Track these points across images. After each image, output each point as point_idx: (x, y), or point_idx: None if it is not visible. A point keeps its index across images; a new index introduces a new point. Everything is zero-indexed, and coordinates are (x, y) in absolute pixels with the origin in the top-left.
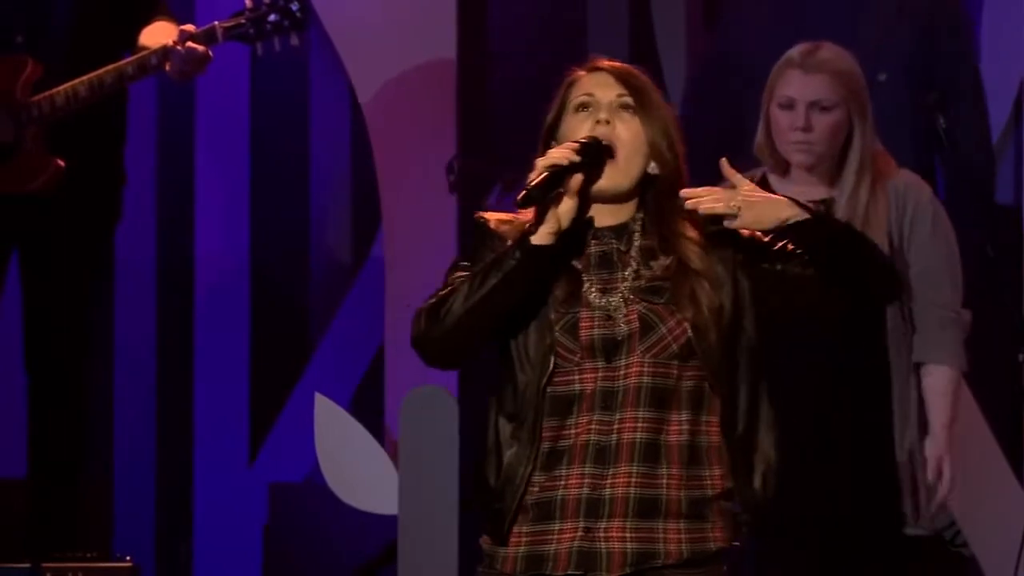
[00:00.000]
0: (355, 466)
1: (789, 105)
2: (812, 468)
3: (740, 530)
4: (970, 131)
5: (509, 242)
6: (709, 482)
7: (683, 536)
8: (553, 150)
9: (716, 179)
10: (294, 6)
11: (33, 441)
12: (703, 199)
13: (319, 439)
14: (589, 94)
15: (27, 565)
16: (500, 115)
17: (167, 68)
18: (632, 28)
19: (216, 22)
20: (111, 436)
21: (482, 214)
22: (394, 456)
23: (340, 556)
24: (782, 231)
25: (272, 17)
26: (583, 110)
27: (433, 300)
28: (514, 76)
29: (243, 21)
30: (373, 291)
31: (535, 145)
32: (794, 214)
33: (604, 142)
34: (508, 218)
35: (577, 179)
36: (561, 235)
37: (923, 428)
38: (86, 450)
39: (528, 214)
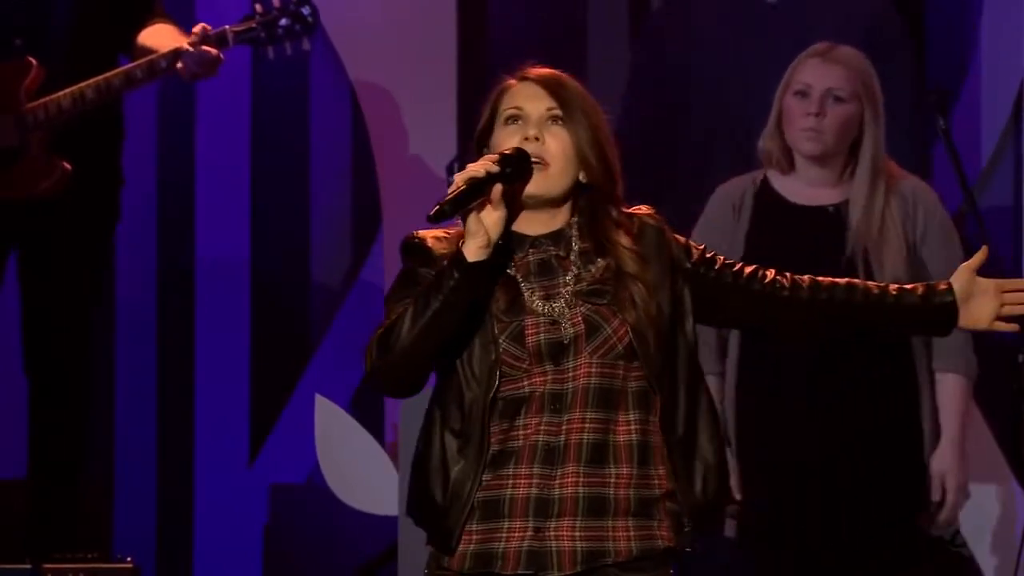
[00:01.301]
0: (355, 467)
1: (804, 92)
2: (839, 476)
3: (684, 532)
4: (966, 136)
5: (445, 262)
6: (656, 482)
7: (632, 534)
8: (471, 164)
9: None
10: (305, 10)
11: (33, 442)
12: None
13: (319, 440)
14: (519, 107)
15: (28, 566)
16: None
17: (179, 69)
18: (632, 27)
19: (227, 26)
20: (112, 437)
21: (416, 233)
22: (394, 456)
23: (340, 556)
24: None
25: (284, 21)
26: (513, 123)
27: (380, 331)
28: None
29: (254, 25)
30: (373, 292)
31: None
32: None
33: (534, 158)
34: (442, 234)
35: (498, 189)
36: (496, 246)
37: (937, 437)
38: (87, 451)
39: (452, 230)
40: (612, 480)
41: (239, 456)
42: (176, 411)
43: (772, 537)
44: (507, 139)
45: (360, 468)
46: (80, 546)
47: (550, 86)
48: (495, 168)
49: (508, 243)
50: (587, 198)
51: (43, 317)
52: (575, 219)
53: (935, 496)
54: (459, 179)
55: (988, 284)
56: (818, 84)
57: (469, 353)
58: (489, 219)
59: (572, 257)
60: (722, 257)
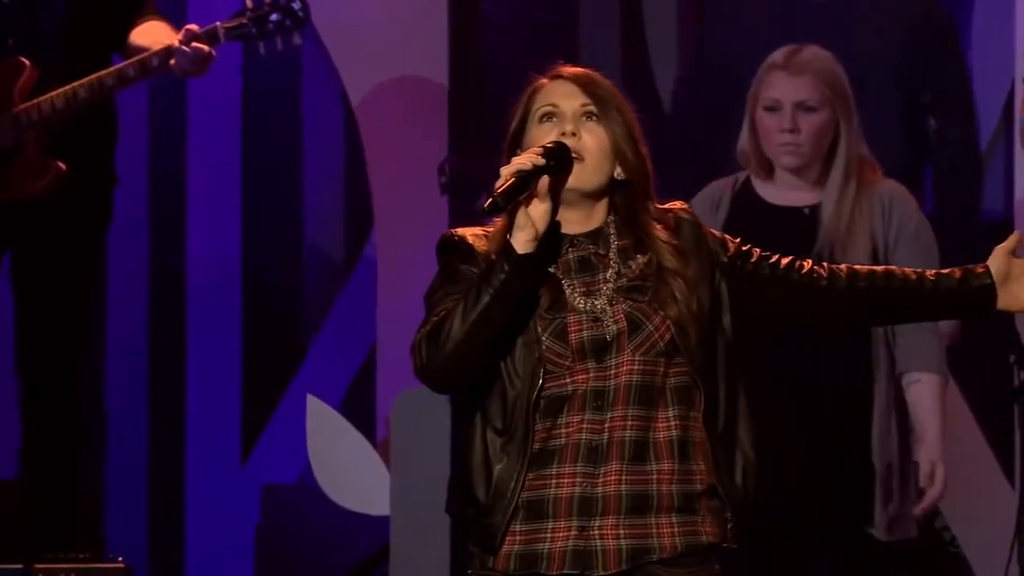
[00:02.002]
0: (347, 467)
1: (775, 107)
2: (790, 472)
3: (727, 528)
4: (958, 137)
5: (493, 256)
6: (698, 477)
7: (676, 530)
8: (517, 157)
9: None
10: (296, 5)
11: (29, 442)
12: None
13: (311, 440)
14: (553, 104)
15: (19, 566)
16: (492, 117)
17: (172, 66)
18: (623, 29)
19: (218, 23)
20: (104, 437)
21: (454, 231)
22: (385, 457)
23: (332, 556)
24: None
25: (274, 16)
26: (548, 120)
27: (428, 328)
28: (506, 77)
29: (245, 21)
30: (365, 292)
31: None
32: None
33: (572, 153)
34: (480, 232)
35: (544, 181)
36: (539, 242)
37: (904, 436)
38: (80, 451)
39: (498, 226)
40: (654, 476)
41: (231, 456)
42: (168, 411)
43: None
44: (542, 137)
45: (352, 468)
46: (72, 546)
47: (584, 83)
48: (541, 161)
49: (554, 238)
50: (623, 195)
51: (38, 317)
52: (612, 217)
53: (923, 482)
54: (507, 172)
55: None
56: (787, 99)
57: (511, 351)
58: (536, 212)
59: (611, 254)
60: (758, 250)
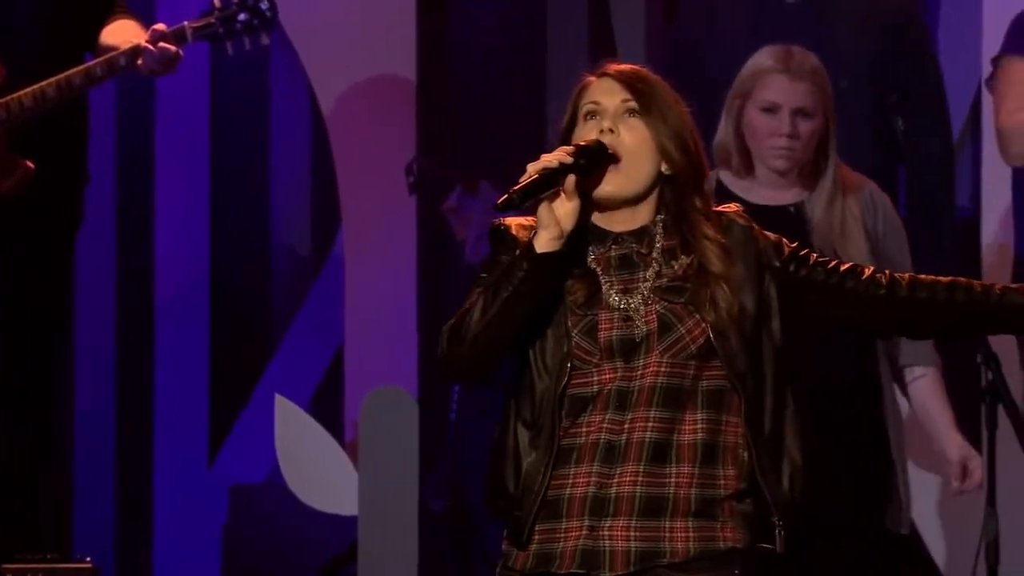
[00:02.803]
0: (315, 467)
1: (772, 109)
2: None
3: (770, 533)
4: (931, 137)
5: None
6: (722, 482)
7: (691, 535)
8: (546, 154)
9: None
10: (263, 5)
11: None
12: None
13: (279, 440)
14: (596, 102)
15: None
16: (460, 116)
17: (139, 65)
18: (591, 27)
19: (186, 22)
20: (72, 437)
21: (502, 220)
22: (354, 457)
23: (300, 556)
24: None
25: (242, 16)
26: (591, 118)
27: (454, 320)
28: (474, 77)
29: (212, 20)
30: (333, 292)
31: (495, 145)
32: None
33: (609, 150)
34: (528, 223)
35: (571, 180)
36: (575, 238)
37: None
38: (47, 451)
39: (531, 220)
40: (672, 480)
41: (199, 456)
42: (136, 411)
43: None
44: (586, 134)
45: (320, 468)
46: (40, 547)
47: (626, 80)
48: (568, 159)
49: (585, 235)
50: (673, 192)
51: (6, 317)
52: (660, 216)
53: (955, 479)
54: (532, 168)
55: None
56: (787, 104)
57: (542, 344)
58: (562, 210)
59: (655, 253)
60: (815, 255)
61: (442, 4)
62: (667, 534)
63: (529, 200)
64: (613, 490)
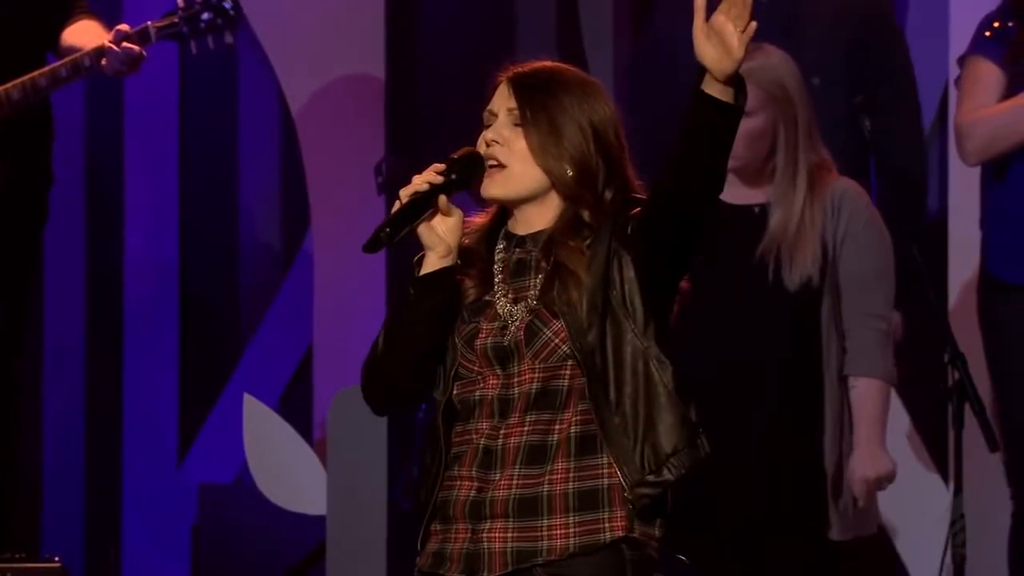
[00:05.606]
0: (284, 467)
1: None
2: (740, 473)
3: (645, 515)
4: (902, 136)
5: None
6: (605, 471)
7: (572, 531)
8: (417, 175)
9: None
10: (227, 4)
11: None
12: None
13: (248, 440)
14: (490, 110)
15: None
16: (429, 116)
17: (103, 66)
18: (559, 27)
19: (149, 22)
20: (40, 437)
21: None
22: (322, 456)
23: (269, 556)
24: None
25: (205, 16)
26: (487, 125)
27: (367, 355)
28: (443, 76)
29: (176, 20)
30: (302, 293)
31: (464, 144)
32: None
33: (489, 160)
34: (468, 230)
35: (442, 199)
36: (490, 239)
37: (850, 439)
38: (15, 450)
39: (480, 218)
40: (547, 478)
41: (167, 456)
42: (104, 411)
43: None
44: (479, 142)
45: (289, 468)
46: (8, 546)
47: (517, 86)
48: (438, 179)
49: (499, 241)
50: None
51: None
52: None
53: (857, 494)
54: (403, 195)
55: (714, 22)
56: None
57: (445, 353)
58: (443, 227)
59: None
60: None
61: (411, 3)
62: (544, 532)
63: (406, 228)
64: (490, 494)
